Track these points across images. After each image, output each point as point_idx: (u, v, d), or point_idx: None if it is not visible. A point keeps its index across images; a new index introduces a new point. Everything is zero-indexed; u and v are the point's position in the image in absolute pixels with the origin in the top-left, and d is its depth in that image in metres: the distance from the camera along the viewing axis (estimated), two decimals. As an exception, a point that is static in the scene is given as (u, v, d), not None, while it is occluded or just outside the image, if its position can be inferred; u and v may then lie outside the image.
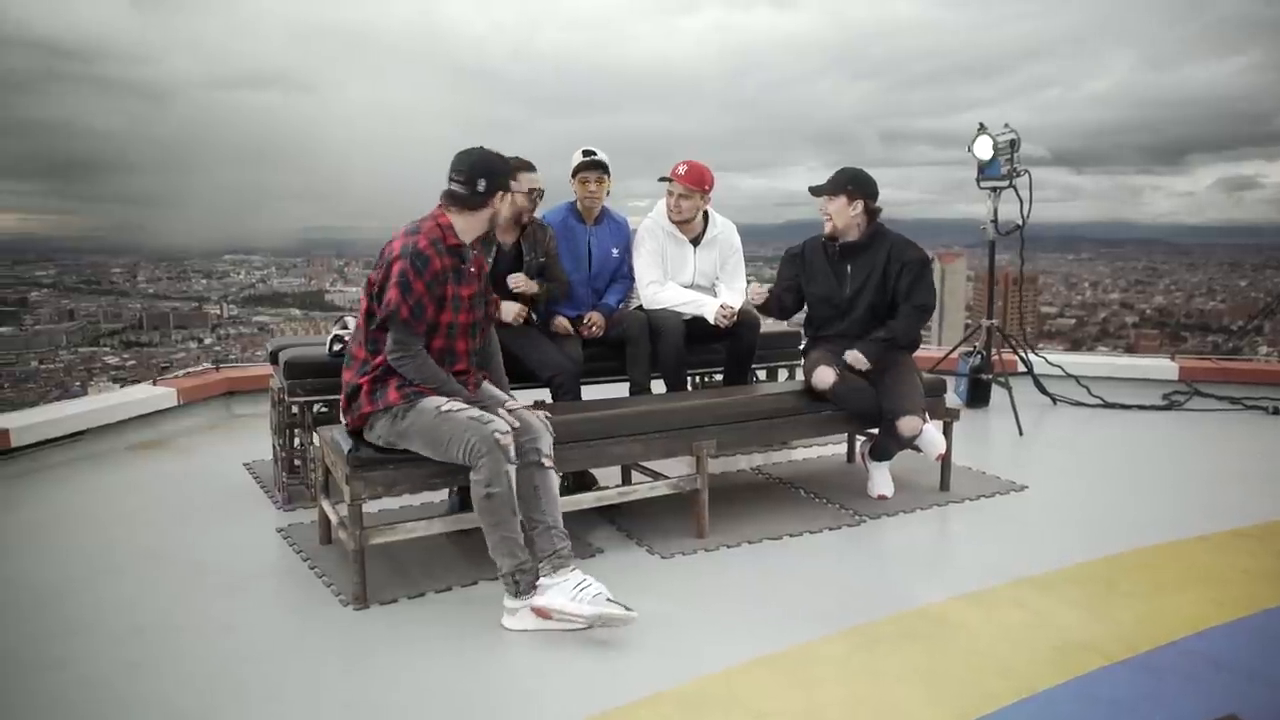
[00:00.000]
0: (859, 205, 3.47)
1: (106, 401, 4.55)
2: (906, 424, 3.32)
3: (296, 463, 3.63)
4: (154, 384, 4.95)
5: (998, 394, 5.13)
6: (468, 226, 2.71)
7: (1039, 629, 2.47)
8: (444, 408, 2.57)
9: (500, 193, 2.71)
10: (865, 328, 3.49)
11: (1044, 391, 5.34)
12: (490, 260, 3.52)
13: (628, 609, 2.44)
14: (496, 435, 2.49)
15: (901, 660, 2.30)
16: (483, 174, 2.66)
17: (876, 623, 2.51)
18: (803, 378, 3.60)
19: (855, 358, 3.44)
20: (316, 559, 2.99)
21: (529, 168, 3.50)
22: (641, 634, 2.47)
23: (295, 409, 3.55)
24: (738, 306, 3.86)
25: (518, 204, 3.49)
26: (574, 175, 3.86)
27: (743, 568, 2.95)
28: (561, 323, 3.78)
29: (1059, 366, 5.39)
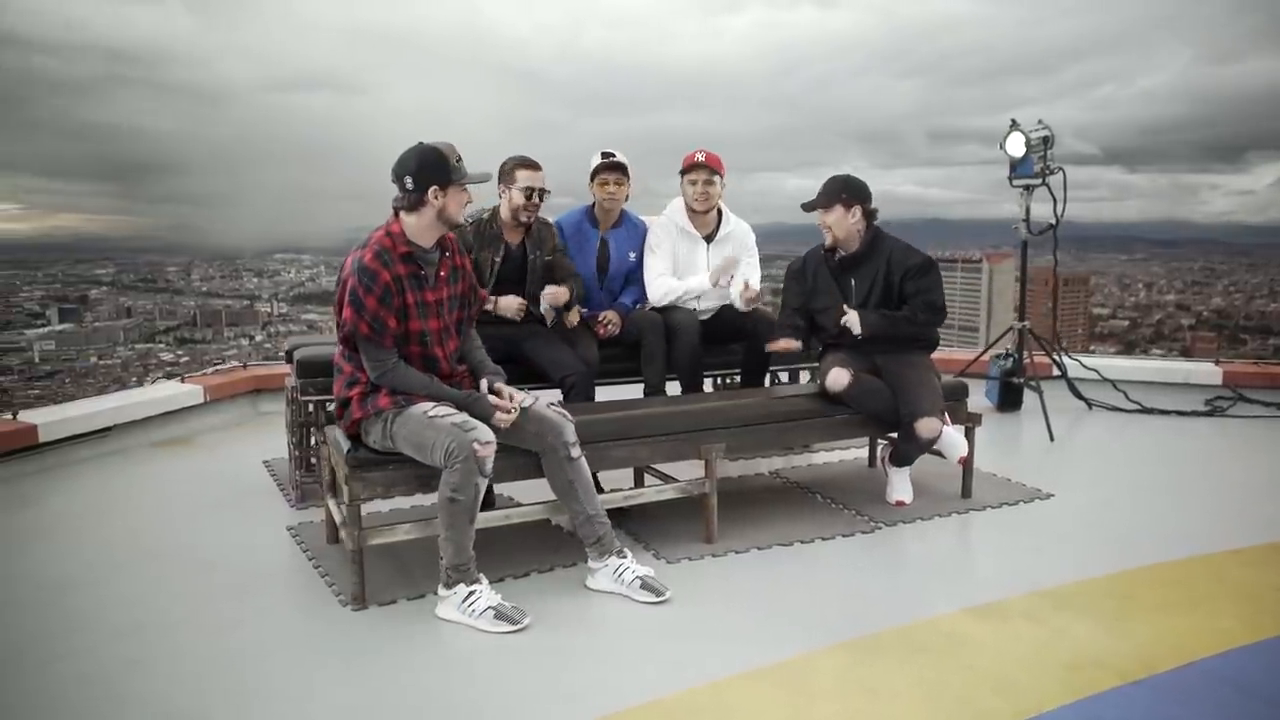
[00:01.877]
0: (857, 212, 3.39)
1: (133, 399, 4.63)
2: (925, 426, 3.22)
3: (313, 460, 3.65)
4: (181, 381, 5.03)
5: (1030, 398, 4.97)
6: (417, 229, 2.65)
7: (1051, 645, 2.37)
8: (430, 412, 2.56)
9: (434, 188, 2.59)
10: (862, 336, 3.40)
11: (1079, 396, 5.17)
12: (499, 260, 3.50)
13: (659, 594, 2.64)
14: (475, 445, 2.48)
15: (902, 674, 2.22)
16: (408, 172, 2.60)
17: (881, 634, 2.44)
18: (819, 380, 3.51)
19: (851, 319, 3.36)
20: (321, 558, 2.99)
21: (529, 166, 3.45)
22: (638, 641, 2.44)
23: (310, 407, 3.58)
24: (757, 287, 3.83)
25: (514, 202, 3.45)
26: (593, 178, 3.83)
27: (749, 574, 2.89)
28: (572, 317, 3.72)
29: (1094, 370, 5.21)
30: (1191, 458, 4.28)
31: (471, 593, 2.52)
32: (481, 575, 2.58)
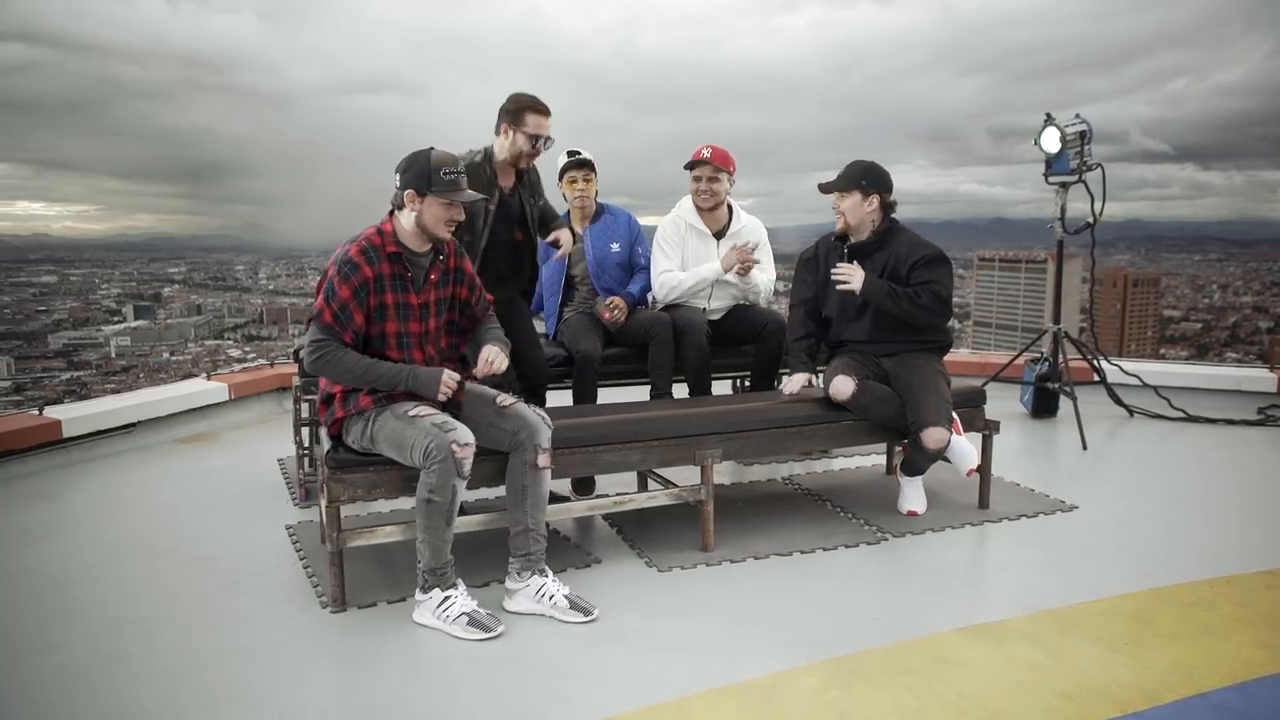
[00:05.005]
0: (874, 201, 3.26)
1: (157, 395, 4.72)
2: (931, 435, 3.08)
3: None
4: (207, 379, 5.11)
5: (1066, 405, 4.76)
6: (404, 229, 2.62)
7: (1049, 670, 2.22)
8: (411, 412, 2.52)
9: (410, 192, 2.55)
10: (881, 332, 3.27)
11: (1119, 402, 4.93)
12: (493, 207, 3.26)
13: (588, 613, 2.52)
14: (454, 446, 2.42)
15: (880, 698, 2.10)
16: (399, 170, 2.58)
17: (866, 653, 2.32)
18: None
19: (855, 275, 3.21)
20: (312, 558, 2.98)
21: (540, 111, 3.20)
22: (612, 653, 2.36)
23: (316, 405, 3.58)
24: (770, 283, 3.82)
25: (517, 146, 3.21)
26: (561, 178, 3.80)
27: (741, 585, 2.79)
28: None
29: (1135, 376, 4.96)
30: (1234, 470, 4.03)
31: (447, 598, 2.48)
32: (459, 580, 2.54)
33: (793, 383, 3.37)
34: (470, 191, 2.67)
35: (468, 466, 2.48)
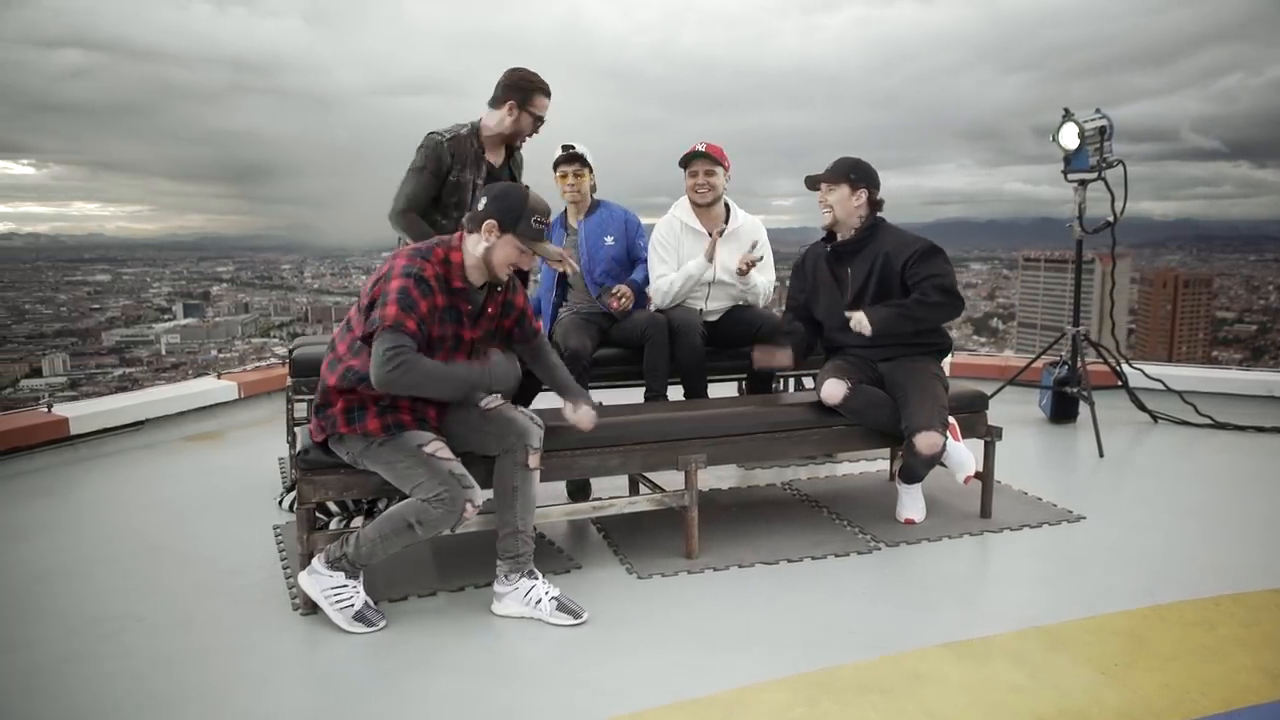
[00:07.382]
0: (862, 195, 3.18)
1: (166, 394, 4.77)
2: (923, 440, 2.97)
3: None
4: (217, 377, 5.15)
5: (1087, 410, 4.59)
6: (470, 256, 2.51)
7: (1029, 692, 2.12)
8: (428, 448, 2.46)
9: (492, 222, 2.44)
10: (879, 336, 3.16)
11: (1142, 408, 4.74)
12: (481, 182, 3.22)
13: (577, 615, 2.50)
14: (468, 502, 2.42)
15: (845, 717, 2.02)
16: (489, 197, 2.50)
17: (839, 669, 2.23)
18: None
19: (859, 320, 3.11)
20: (292, 560, 2.95)
21: (547, 93, 3.25)
22: (575, 661, 2.31)
23: (306, 407, 3.58)
24: (769, 285, 3.76)
25: (520, 124, 3.22)
26: (555, 170, 3.75)
27: (720, 594, 2.71)
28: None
29: (1159, 380, 4.77)
30: (1255, 480, 3.85)
31: (345, 586, 2.49)
32: (361, 576, 2.53)
33: (761, 356, 3.34)
34: (550, 246, 2.61)
35: (461, 526, 2.48)
